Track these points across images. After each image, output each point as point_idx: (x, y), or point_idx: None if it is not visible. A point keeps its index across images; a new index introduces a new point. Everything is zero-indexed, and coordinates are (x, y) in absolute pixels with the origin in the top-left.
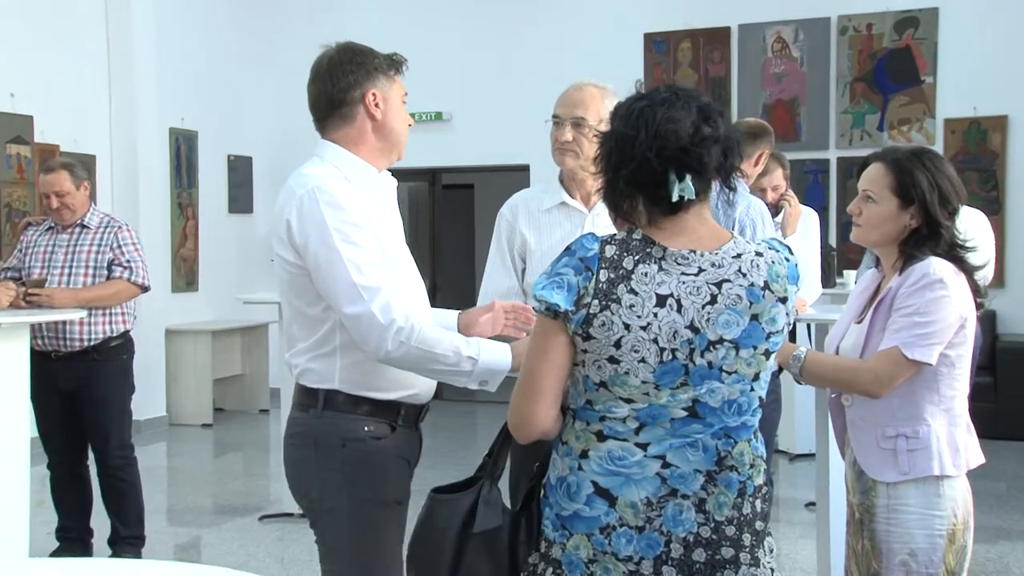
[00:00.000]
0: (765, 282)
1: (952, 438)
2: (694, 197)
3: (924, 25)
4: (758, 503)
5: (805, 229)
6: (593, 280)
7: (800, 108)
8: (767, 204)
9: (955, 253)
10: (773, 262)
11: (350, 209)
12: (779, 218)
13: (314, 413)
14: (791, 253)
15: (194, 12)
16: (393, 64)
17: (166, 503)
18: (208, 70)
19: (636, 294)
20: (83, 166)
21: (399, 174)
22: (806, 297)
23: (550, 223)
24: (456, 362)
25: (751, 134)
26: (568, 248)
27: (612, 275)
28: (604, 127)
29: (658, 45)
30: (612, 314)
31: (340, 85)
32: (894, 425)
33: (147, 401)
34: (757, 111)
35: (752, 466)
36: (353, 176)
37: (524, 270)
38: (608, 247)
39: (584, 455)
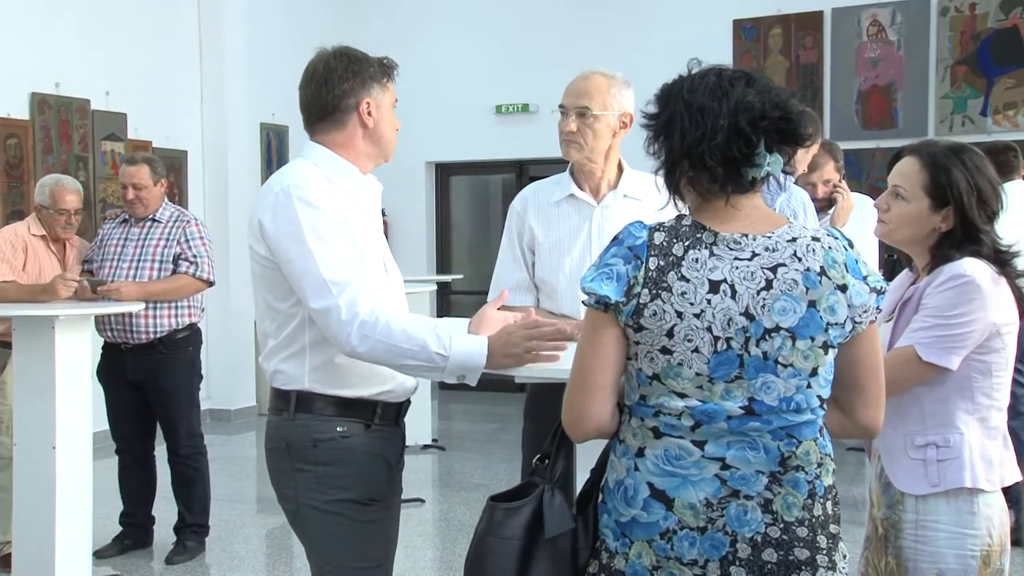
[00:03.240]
0: (821, 268)
1: (985, 450)
2: (779, 173)
3: None
4: (829, 505)
5: (862, 220)
6: (643, 269)
7: (897, 94)
8: (819, 198)
9: (1000, 258)
10: (830, 247)
11: (323, 206)
12: (832, 211)
13: (286, 416)
14: (852, 246)
15: (284, 8)
16: (386, 71)
17: (255, 492)
18: (298, 65)
19: (687, 281)
20: (164, 163)
21: (486, 167)
22: None
23: (559, 216)
24: (426, 357)
25: None
26: (616, 237)
27: (662, 262)
28: (612, 116)
29: (747, 32)
30: (664, 303)
31: (335, 92)
32: (924, 433)
33: (237, 392)
34: (851, 98)
35: (820, 465)
36: (334, 175)
37: (534, 263)
38: (657, 234)
39: (640, 453)
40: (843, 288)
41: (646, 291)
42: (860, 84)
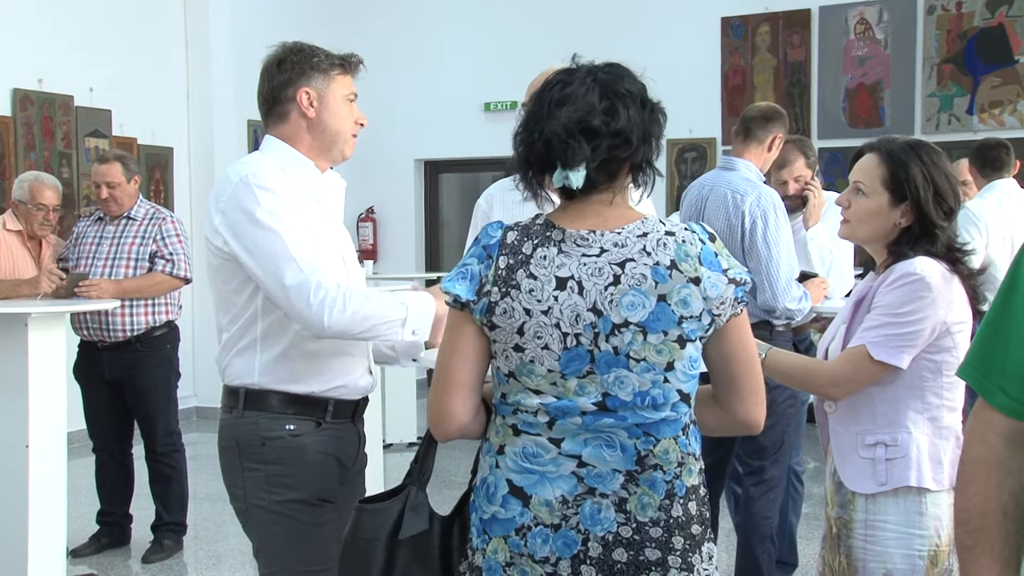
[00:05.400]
0: (672, 261)
1: (936, 450)
2: (579, 187)
3: (1019, 2)
4: (692, 505)
5: (837, 217)
6: (493, 268)
7: (884, 92)
8: (791, 196)
9: (952, 256)
10: (684, 241)
11: (282, 193)
12: (804, 210)
13: (236, 414)
14: (712, 240)
15: (271, 4)
16: (338, 64)
17: None
18: None
19: (535, 278)
20: (149, 160)
21: (475, 164)
22: (836, 288)
23: (523, 214)
24: (386, 314)
25: (763, 118)
26: (476, 237)
27: (511, 261)
28: None
29: (736, 29)
30: (512, 300)
31: (275, 83)
32: (874, 432)
33: None
34: (838, 96)
35: (681, 465)
36: (289, 167)
37: None
38: (510, 233)
39: (501, 451)
40: (696, 281)
41: (496, 289)
42: (847, 82)
